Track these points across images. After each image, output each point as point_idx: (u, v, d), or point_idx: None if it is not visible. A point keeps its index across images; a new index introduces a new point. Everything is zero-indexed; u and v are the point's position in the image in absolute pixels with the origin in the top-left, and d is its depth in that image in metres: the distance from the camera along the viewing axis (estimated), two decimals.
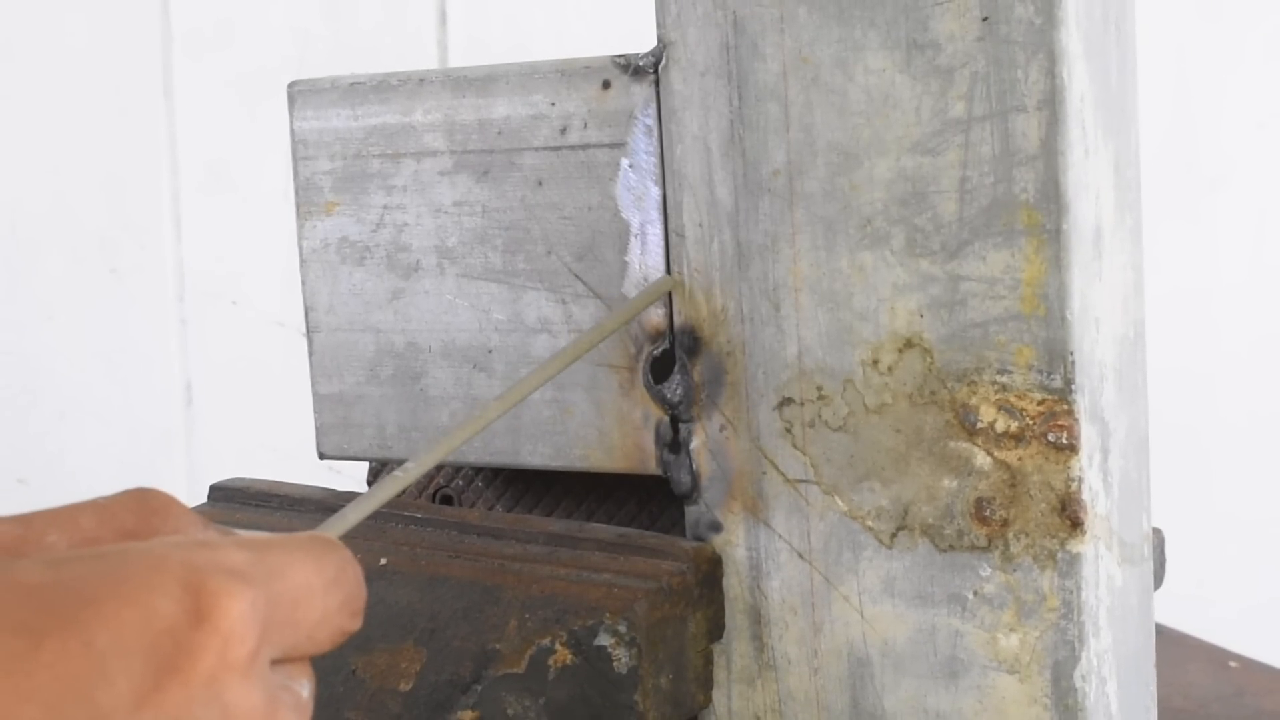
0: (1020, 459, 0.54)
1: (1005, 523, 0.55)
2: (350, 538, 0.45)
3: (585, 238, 0.62)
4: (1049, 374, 0.54)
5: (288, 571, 0.38)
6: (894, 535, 0.56)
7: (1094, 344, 0.54)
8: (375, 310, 0.67)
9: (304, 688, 0.39)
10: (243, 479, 0.72)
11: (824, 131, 0.56)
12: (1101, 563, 0.55)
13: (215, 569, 0.36)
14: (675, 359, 0.60)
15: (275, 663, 0.38)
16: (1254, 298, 1.41)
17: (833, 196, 0.56)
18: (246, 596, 0.36)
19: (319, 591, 0.39)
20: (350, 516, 0.45)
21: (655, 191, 0.60)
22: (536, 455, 0.64)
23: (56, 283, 1.86)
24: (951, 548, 0.56)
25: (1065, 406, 0.53)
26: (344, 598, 0.39)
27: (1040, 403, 0.54)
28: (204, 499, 0.72)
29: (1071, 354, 0.53)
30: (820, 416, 0.57)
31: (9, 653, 0.34)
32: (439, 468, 0.71)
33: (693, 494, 0.60)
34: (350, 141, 0.67)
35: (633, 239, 0.61)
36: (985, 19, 0.53)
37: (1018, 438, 0.54)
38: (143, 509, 0.40)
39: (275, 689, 0.37)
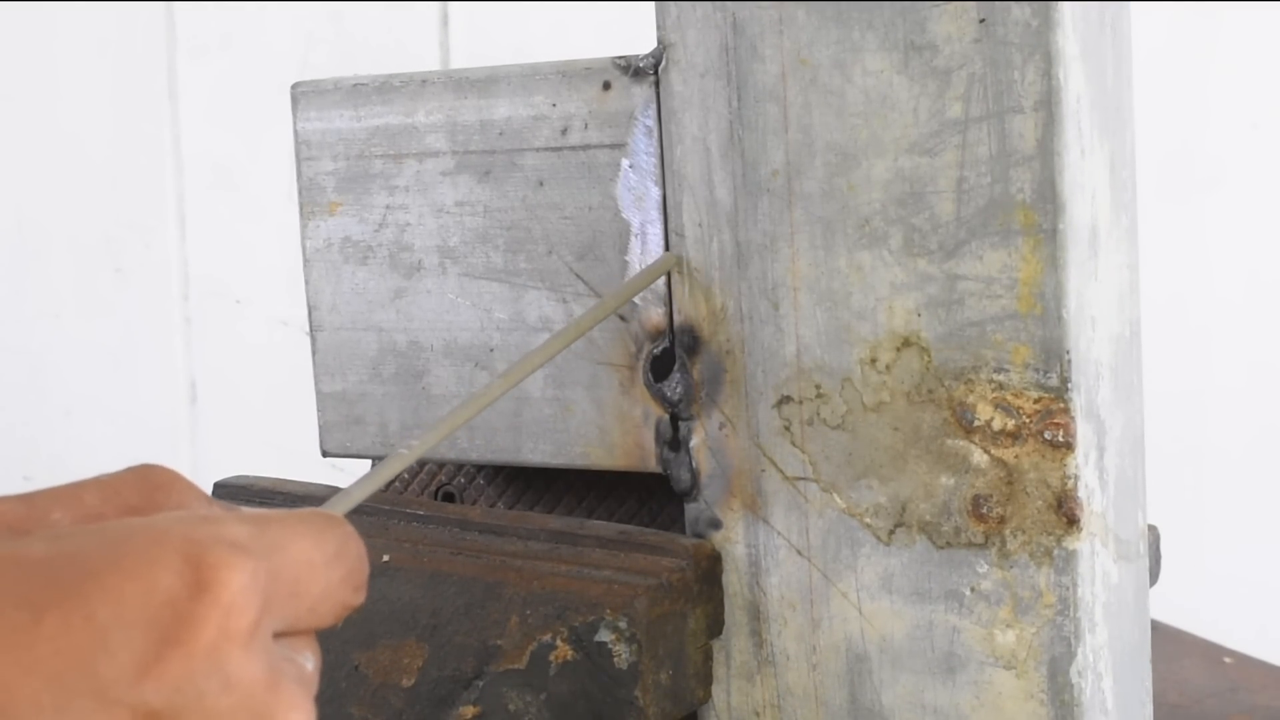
0: (1017, 457, 0.55)
1: (1002, 520, 0.55)
2: None
3: (586, 237, 0.62)
4: (1045, 372, 0.54)
5: (289, 545, 0.38)
6: (892, 532, 0.57)
7: (1090, 343, 0.55)
8: (378, 309, 0.67)
9: (308, 660, 0.39)
10: (246, 476, 0.72)
11: (822, 132, 0.56)
12: (1097, 559, 0.56)
13: (216, 542, 0.36)
14: (675, 357, 0.60)
15: (279, 636, 0.38)
16: (1248, 297, 1.42)
17: (831, 197, 0.56)
18: (247, 568, 0.36)
19: (320, 565, 0.39)
20: (355, 494, 0.46)
21: (655, 192, 0.60)
22: (537, 453, 0.64)
23: (62, 281, 1.86)
24: (949, 545, 0.56)
25: (1061, 405, 0.54)
26: (346, 572, 0.40)
27: (1037, 401, 0.54)
28: None
29: (1068, 353, 0.54)
30: (819, 414, 0.58)
31: (11, 626, 0.34)
32: (441, 465, 0.71)
33: (692, 491, 0.60)
34: (353, 142, 0.67)
35: (633, 239, 0.61)
36: (982, 21, 0.53)
37: (1014, 435, 0.55)
38: (146, 485, 0.40)
39: (278, 660, 0.37)
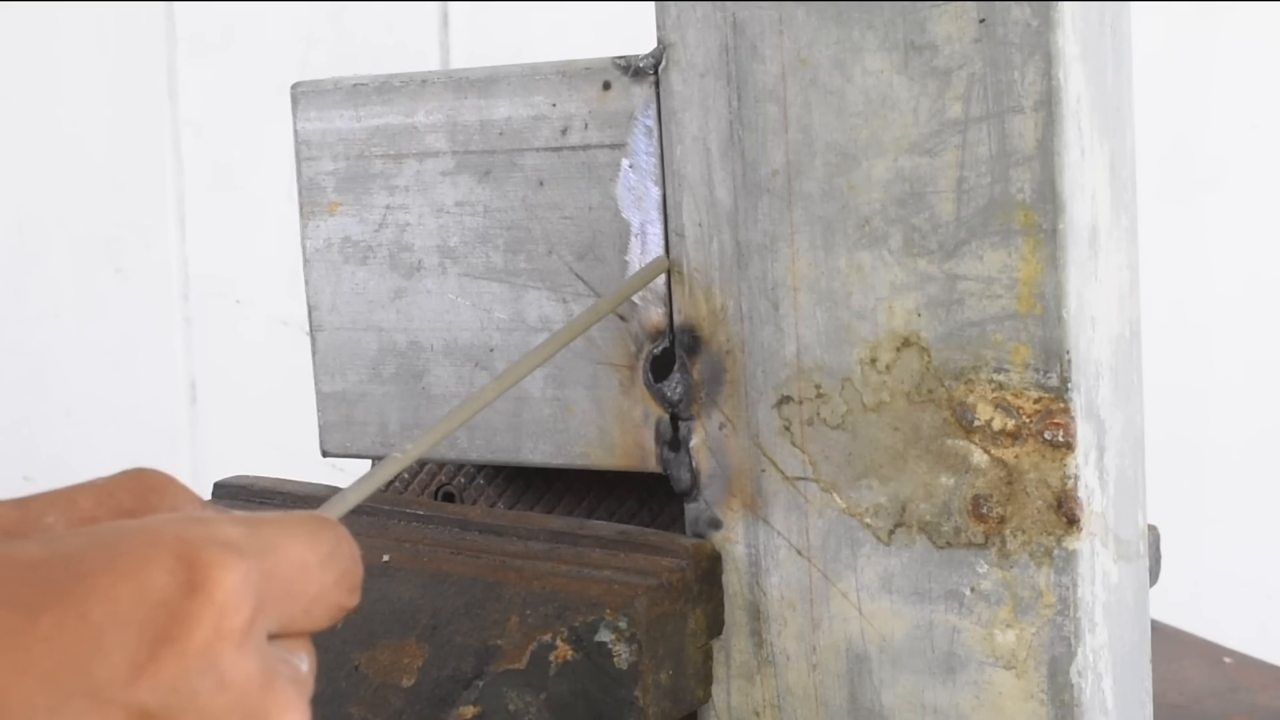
0: (1017, 457, 0.55)
1: (1002, 520, 0.55)
2: (352, 534, 0.45)
3: (586, 237, 0.62)
4: (1045, 372, 0.54)
5: (282, 546, 0.38)
6: (892, 532, 0.57)
7: (1090, 343, 0.55)
8: (378, 309, 0.67)
9: (303, 662, 0.39)
10: (246, 476, 0.72)
11: (822, 132, 0.56)
12: (1097, 559, 0.56)
13: (208, 542, 0.36)
14: (675, 357, 0.60)
15: (273, 637, 0.38)
16: (1248, 297, 1.42)
17: (831, 197, 0.56)
18: (240, 568, 0.36)
19: (314, 567, 0.39)
20: (351, 497, 0.46)
21: (655, 191, 0.60)
22: (538, 453, 0.64)
23: (62, 282, 1.86)
24: (949, 545, 0.56)
25: (1061, 405, 0.54)
26: (340, 573, 0.40)
27: (1037, 401, 0.54)
28: (208, 496, 0.72)
29: (1068, 353, 0.54)
30: (819, 414, 0.58)
31: (6, 628, 0.34)
32: (441, 465, 0.71)
33: (692, 491, 0.60)
34: (353, 142, 0.67)
35: (633, 239, 0.61)
36: (982, 21, 0.53)
37: (1014, 435, 0.55)
38: (140, 488, 0.40)
39: (272, 660, 0.37)
